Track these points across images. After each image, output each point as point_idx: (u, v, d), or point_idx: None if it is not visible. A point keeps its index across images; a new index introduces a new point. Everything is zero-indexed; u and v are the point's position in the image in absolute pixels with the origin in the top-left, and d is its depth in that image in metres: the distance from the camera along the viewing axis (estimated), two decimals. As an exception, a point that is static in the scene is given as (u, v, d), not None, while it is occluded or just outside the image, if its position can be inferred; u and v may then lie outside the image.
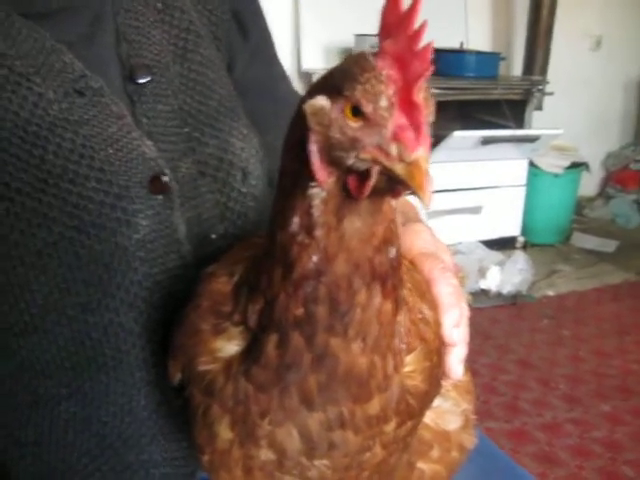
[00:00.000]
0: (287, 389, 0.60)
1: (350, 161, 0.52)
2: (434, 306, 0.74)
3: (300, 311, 0.58)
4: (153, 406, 0.85)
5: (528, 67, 4.78)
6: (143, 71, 0.88)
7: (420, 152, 0.49)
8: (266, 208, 0.97)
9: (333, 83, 0.52)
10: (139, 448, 0.86)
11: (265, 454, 0.65)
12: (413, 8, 0.52)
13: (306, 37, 4.36)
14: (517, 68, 5.04)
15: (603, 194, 5.84)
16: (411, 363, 0.67)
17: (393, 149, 0.50)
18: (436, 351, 0.71)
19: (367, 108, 0.50)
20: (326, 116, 0.52)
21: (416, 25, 0.51)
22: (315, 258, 0.56)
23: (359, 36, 4.00)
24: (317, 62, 4.39)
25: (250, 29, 1.08)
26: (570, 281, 4.24)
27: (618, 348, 3.44)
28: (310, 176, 0.54)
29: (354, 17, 4.27)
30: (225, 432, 0.65)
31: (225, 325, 0.65)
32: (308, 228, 0.56)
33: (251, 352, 0.62)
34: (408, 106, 0.50)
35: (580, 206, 5.38)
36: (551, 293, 4.06)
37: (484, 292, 3.91)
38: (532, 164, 4.51)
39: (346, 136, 0.51)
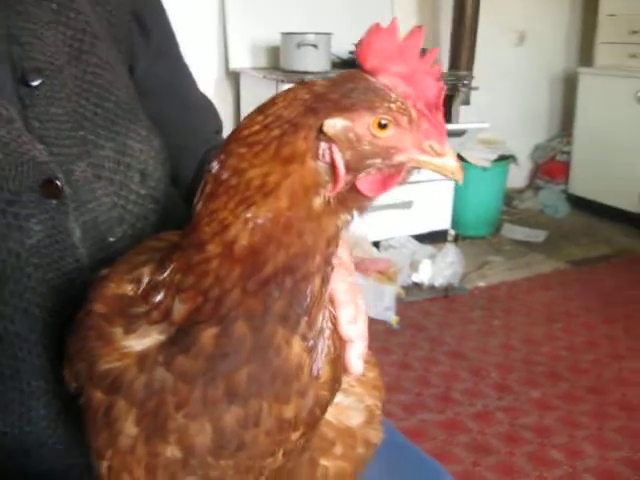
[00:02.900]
0: (214, 379, 0.61)
1: (384, 164, 0.63)
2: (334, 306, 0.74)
3: (258, 305, 0.61)
4: (52, 415, 0.83)
5: (454, 62, 4.85)
6: (35, 74, 0.86)
7: (447, 145, 0.63)
8: (169, 209, 0.97)
9: (350, 103, 0.61)
10: (40, 458, 0.84)
11: (171, 451, 0.64)
12: (418, 37, 0.64)
13: (233, 37, 4.33)
14: (443, 64, 5.11)
15: (532, 185, 5.97)
16: (323, 374, 0.68)
17: (427, 147, 0.63)
18: (339, 358, 0.72)
19: (402, 120, 0.62)
20: (351, 133, 0.61)
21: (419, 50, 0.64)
22: (291, 256, 0.61)
23: (285, 34, 4.00)
24: (245, 61, 4.37)
25: (152, 30, 1.06)
26: (501, 272, 4.33)
27: (547, 335, 3.52)
28: (309, 185, 0.61)
29: (280, 16, 4.27)
30: (130, 428, 0.64)
31: (138, 324, 0.65)
32: (297, 233, 0.61)
33: (176, 343, 0.62)
34: (431, 113, 0.63)
35: (510, 198, 5.50)
36: (482, 284, 4.13)
37: (417, 285, 3.96)
38: (460, 158, 4.57)
39: (378, 145, 0.62)
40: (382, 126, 0.62)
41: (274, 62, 4.30)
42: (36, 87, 0.86)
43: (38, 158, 0.81)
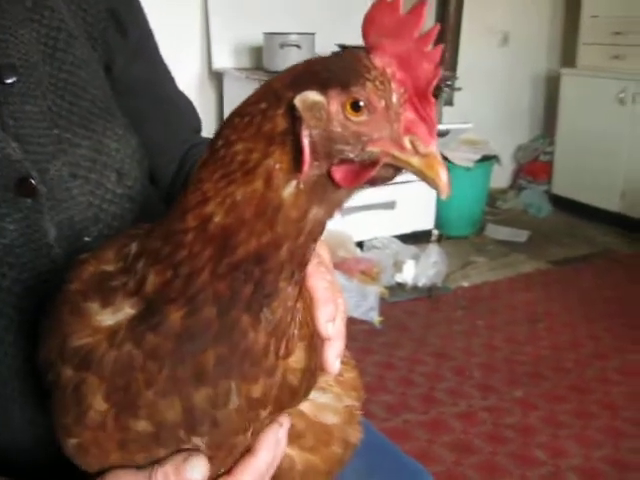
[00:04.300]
0: (183, 359, 0.60)
1: (353, 154, 0.55)
2: (310, 301, 0.74)
3: (225, 290, 0.59)
4: (28, 416, 0.82)
5: (437, 63, 4.87)
6: (9, 71, 0.85)
7: (434, 145, 0.54)
8: (146, 208, 0.96)
9: (327, 78, 0.55)
10: (17, 460, 0.83)
11: (142, 425, 0.63)
12: (419, 12, 0.55)
13: (216, 37, 4.33)
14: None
15: (515, 186, 6.00)
16: (297, 361, 0.68)
17: (407, 142, 0.54)
18: (315, 350, 0.72)
19: (378, 104, 0.54)
20: (323, 111, 0.54)
21: (421, 28, 0.55)
22: (263, 245, 0.58)
23: (268, 34, 3.99)
24: (228, 61, 4.36)
25: (128, 28, 1.05)
26: (484, 272, 4.34)
27: (530, 335, 3.53)
28: (287, 168, 0.56)
29: (262, 16, 4.27)
30: (99, 404, 0.63)
31: (114, 297, 0.63)
32: (269, 221, 0.57)
33: (145, 319, 0.61)
34: (419, 102, 0.54)
35: (493, 198, 5.52)
36: (465, 284, 4.14)
37: (400, 286, 3.97)
38: (444, 158, 4.57)
39: (349, 130, 0.55)
40: (356, 108, 0.54)
41: (257, 62, 4.30)
42: (11, 84, 0.84)
43: (12, 156, 0.80)
